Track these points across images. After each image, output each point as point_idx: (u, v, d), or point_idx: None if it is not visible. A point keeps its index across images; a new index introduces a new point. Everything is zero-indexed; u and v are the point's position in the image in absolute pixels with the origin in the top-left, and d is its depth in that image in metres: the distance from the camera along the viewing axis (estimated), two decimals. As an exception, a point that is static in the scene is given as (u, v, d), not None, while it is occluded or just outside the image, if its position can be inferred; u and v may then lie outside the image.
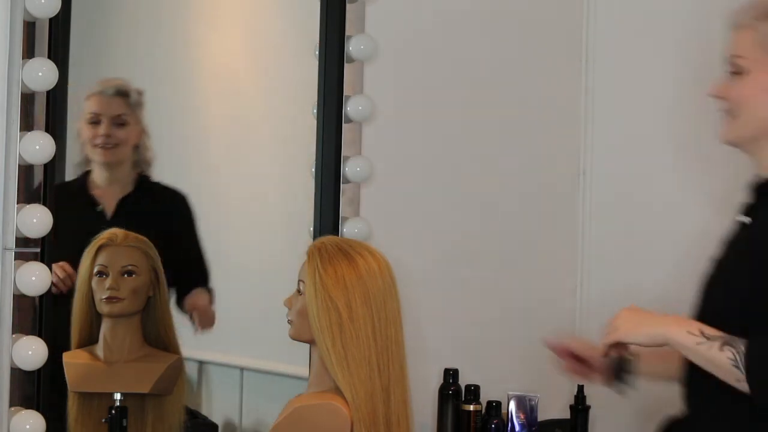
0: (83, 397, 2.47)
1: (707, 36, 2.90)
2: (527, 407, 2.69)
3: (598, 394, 2.58)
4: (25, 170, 2.20)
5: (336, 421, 2.15)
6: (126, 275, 2.52)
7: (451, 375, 2.71)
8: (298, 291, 2.27)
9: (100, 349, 2.52)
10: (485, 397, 2.70)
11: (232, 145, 2.75)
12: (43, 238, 2.21)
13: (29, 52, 2.19)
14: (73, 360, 2.49)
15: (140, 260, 2.54)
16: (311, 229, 2.63)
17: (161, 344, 2.56)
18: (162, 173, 2.69)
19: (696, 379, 2.14)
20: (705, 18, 2.92)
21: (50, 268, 2.20)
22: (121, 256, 2.52)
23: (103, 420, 2.43)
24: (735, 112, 2.17)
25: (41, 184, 2.23)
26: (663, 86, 2.98)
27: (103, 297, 2.50)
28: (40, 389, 2.23)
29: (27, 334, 2.19)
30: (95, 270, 2.50)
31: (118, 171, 2.60)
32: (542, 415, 2.70)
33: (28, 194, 2.20)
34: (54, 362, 2.31)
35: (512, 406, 2.70)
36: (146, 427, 2.50)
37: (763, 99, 2.17)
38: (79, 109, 2.54)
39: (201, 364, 2.68)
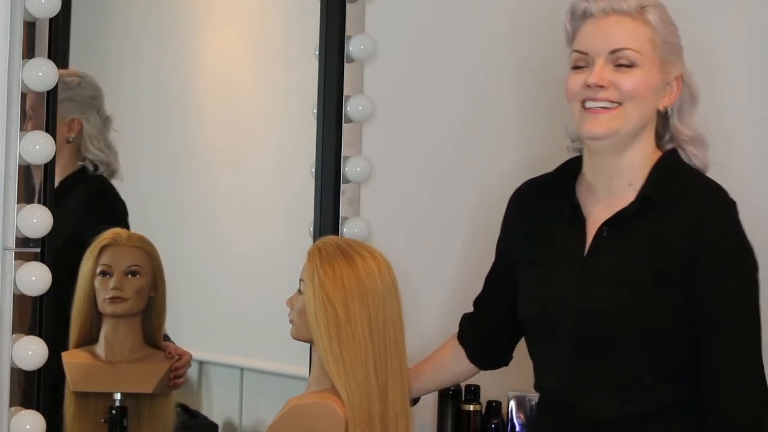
0: (80, 396, 2.47)
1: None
2: (527, 407, 2.69)
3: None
4: (25, 170, 2.20)
5: (330, 420, 2.15)
6: (130, 275, 2.52)
7: (451, 375, 2.71)
8: (299, 291, 2.27)
9: (101, 348, 2.52)
10: (485, 397, 2.70)
11: (231, 145, 2.75)
12: (43, 238, 2.21)
13: (29, 52, 2.19)
14: (73, 359, 2.49)
15: (144, 260, 2.54)
16: (311, 229, 2.63)
17: (156, 345, 2.56)
18: (161, 174, 2.69)
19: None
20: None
21: (50, 268, 2.20)
22: (125, 256, 2.52)
23: (103, 420, 2.44)
24: (622, 103, 2.11)
25: (41, 184, 2.23)
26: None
27: (107, 297, 2.50)
28: (40, 389, 2.23)
29: (27, 334, 2.19)
30: (98, 270, 2.51)
31: None
32: (542, 415, 2.70)
33: (28, 194, 2.21)
34: (54, 362, 2.31)
35: (512, 406, 2.70)
36: (141, 426, 2.51)
37: (651, 97, 2.14)
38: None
39: (201, 364, 2.68)
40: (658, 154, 2.18)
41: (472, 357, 2.40)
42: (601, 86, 2.11)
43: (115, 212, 2.58)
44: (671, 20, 2.17)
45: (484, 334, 2.38)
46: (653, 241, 2.10)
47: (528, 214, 2.28)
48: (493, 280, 2.38)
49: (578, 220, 2.19)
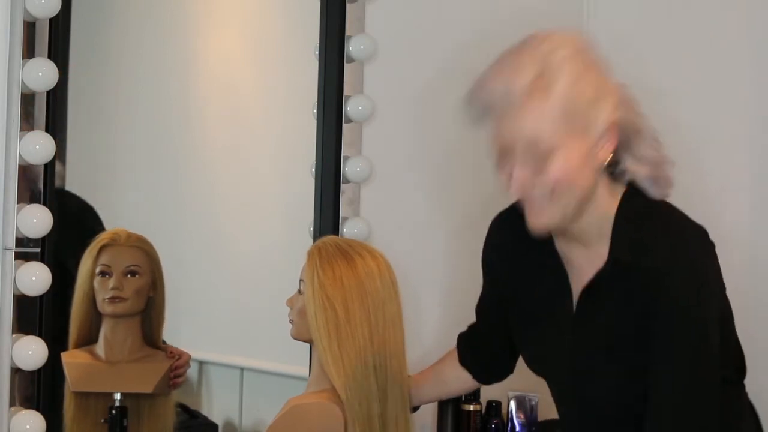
0: (80, 396, 2.47)
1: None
2: (527, 407, 2.69)
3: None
4: (25, 170, 2.20)
5: (329, 420, 2.15)
6: (129, 275, 2.52)
7: (451, 375, 2.71)
8: (299, 291, 2.27)
9: (100, 348, 2.52)
10: (485, 397, 2.70)
11: (231, 145, 2.75)
12: (43, 238, 2.21)
13: (29, 52, 2.20)
14: (73, 360, 2.49)
15: (143, 260, 2.54)
16: (311, 229, 2.63)
17: (156, 345, 2.56)
18: (161, 174, 2.69)
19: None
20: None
21: (50, 268, 2.20)
22: (124, 256, 2.52)
23: (103, 420, 2.44)
24: (555, 195, 1.92)
25: (41, 184, 2.23)
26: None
27: (107, 297, 2.50)
28: (40, 389, 2.23)
29: (27, 334, 2.19)
30: (98, 270, 2.50)
31: None
32: (542, 415, 2.70)
33: (28, 194, 2.21)
34: (54, 362, 2.31)
35: (512, 406, 2.70)
36: (142, 426, 2.51)
37: (582, 169, 1.93)
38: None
39: (201, 364, 2.68)
40: (621, 190, 2.02)
41: (477, 377, 2.39)
42: (527, 191, 1.94)
43: (85, 219, 2.56)
44: (589, 62, 1.94)
45: (486, 358, 2.36)
46: (627, 304, 1.99)
47: (508, 253, 2.18)
48: (483, 310, 2.33)
49: (560, 274, 2.08)
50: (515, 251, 2.15)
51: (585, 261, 2.05)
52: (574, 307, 2.06)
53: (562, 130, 1.90)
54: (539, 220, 1.97)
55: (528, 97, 1.90)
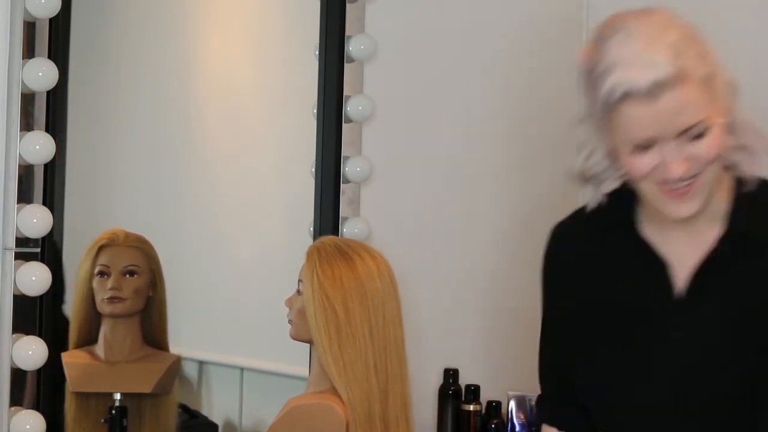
0: (81, 396, 2.48)
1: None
2: (527, 407, 2.69)
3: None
4: (25, 170, 2.20)
5: (331, 420, 2.15)
6: (128, 275, 2.52)
7: (451, 375, 2.71)
8: (298, 291, 2.27)
9: (100, 349, 2.52)
10: (485, 397, 2.70)
11: (231, 145, 2.76)
12: (43, 238, 2.21)
13: (29, 52, 2.20)
14: (73, 360, 2.49)
15: (141, 260, 2.54)
16: (311, 229, 2.63)
17: (158, 344, 2.56)
18: (161, 174, 2.69)
19: None
20: None
21: (50, 268, 2.20)
22: (122, 256, 2.52)
23: (103, 420, 2.44)
24: (707, 176, 1.79)
25: (41, 184, 2.23)
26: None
27: (105, 297, 2.50)
28: (40, 389, 2.23)
29: (27, 334, 2.19)
30: (96, 270, 2.51)
31: None
32: (542, 415, 2.70)
33: (28, 194, 2.21)
34: (54, 362, 2.31)
35: (512, 406, 2.70)
36: (143, 426, 2.51)
37: (724, 142, 1.80)
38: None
39: (201, 364, 2.69)
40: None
41: None
42: (693, 176, 1.78)
43: None
44: (695, 35, 1.80)
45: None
46: (754, 281, 1.83)
47: (587, 255, 1.93)
48: (563, 367, 1.91)
49: (656, 266, 1.87)
50: (596, 252, 1.92)
51: (687, 247, 1.87)
52: (684, 293, 1.85)
53: (710, 109, 1.77)
54: (685, 209, 1.80)
55: (676, 83, 1.75)
